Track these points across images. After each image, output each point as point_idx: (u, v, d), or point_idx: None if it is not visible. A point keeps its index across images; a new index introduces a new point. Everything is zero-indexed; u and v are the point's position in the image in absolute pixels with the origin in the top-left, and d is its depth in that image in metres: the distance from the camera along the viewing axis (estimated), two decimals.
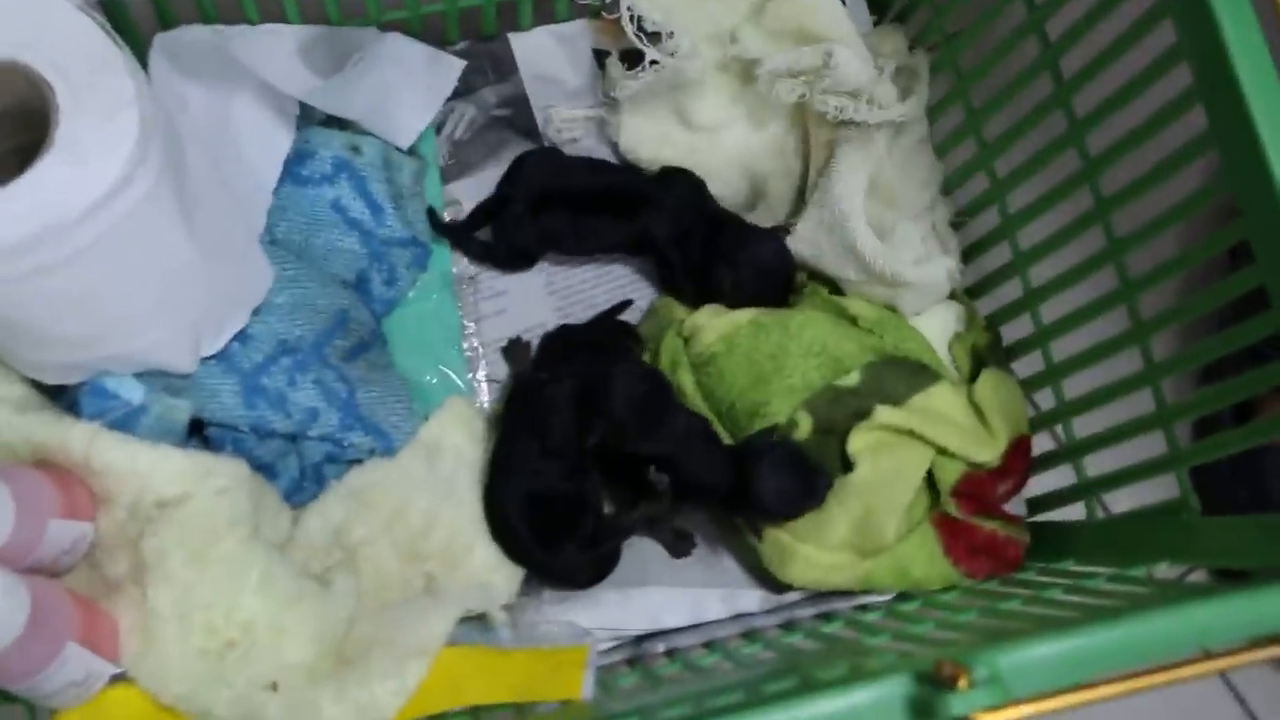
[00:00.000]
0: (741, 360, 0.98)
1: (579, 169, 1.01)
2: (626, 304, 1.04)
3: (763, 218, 1.07)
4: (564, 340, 0.99)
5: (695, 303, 1.00)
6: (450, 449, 0.96)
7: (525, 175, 1.00)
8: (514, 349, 1.02)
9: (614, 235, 1.01)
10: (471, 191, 1.07)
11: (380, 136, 0.99)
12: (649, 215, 0.99)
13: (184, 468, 0.79)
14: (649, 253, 1.02)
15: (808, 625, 0.94)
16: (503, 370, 1.05)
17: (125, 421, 0.80)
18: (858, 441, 0.93)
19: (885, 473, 0.94)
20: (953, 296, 1.07)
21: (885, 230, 1.01)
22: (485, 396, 1.05)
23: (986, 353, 1.04)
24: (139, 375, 0.83)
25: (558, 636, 0.92)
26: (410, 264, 1.03)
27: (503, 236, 1.01)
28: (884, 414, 0.94)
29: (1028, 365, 1.03)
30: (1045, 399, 1.03)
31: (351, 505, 0.92)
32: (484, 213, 1.03)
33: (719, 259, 0.97)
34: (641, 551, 0.96)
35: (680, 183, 1.01)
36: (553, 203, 1.00)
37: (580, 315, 1.06)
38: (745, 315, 0.99)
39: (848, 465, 0.93)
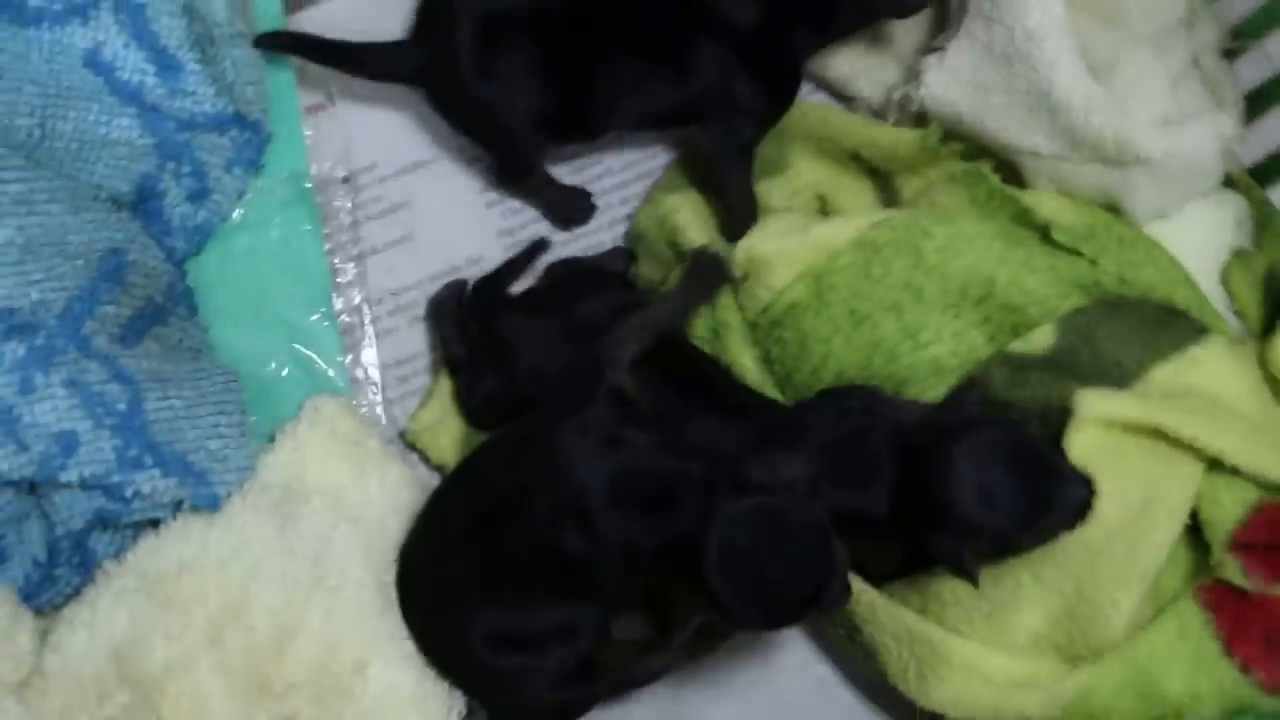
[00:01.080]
0: (840, 316, 0.98)
1: None
2: (541, 248, 1.08)
3: (865, 53, 1.08)
4: (486, 313, 1.02)
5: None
6: (319, 493, 0.97)
7: None
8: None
9: (656, 92, 1.04)
10: (339, 23, 1.08)
11: None
12: (710, 40, 1.01)
13: None
14: (712, 118, 1.05)
15: None
16: (409, 346, 1.08)
17: None
18: (1086, 451, 0.91)
19: (1113, 510, 0.90)
20: (1227, 184, 1.05)
21: (1103, 65, 1.00)
22: (377, 394, 1.05)
23: None
24: None
25: None
26: (233, 161, 1.04)
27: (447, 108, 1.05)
28: (1100, 402, 0.91)
29: None
30: None
31: (144, 606, 0.90)
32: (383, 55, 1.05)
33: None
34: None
35: None
36: (519, 31, 1.01)
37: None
38: (844, 230, 0.99)
39: None
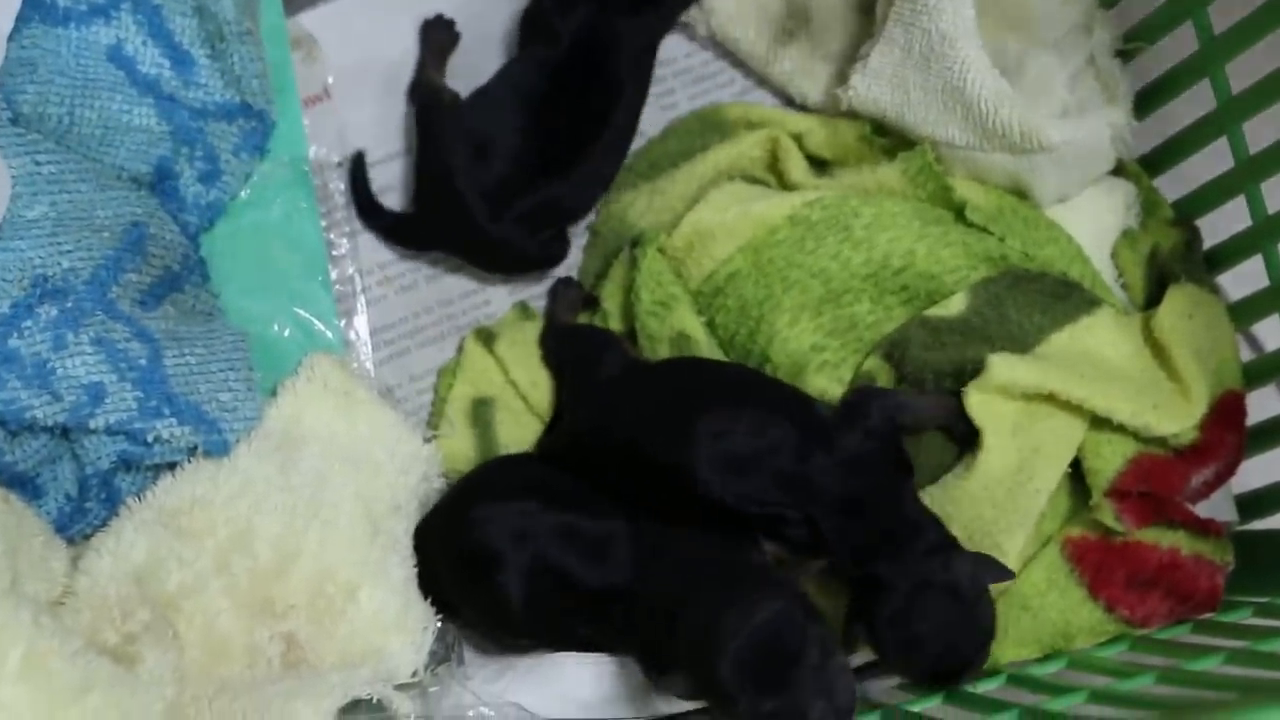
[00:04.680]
0: (775, 283, 1.03)
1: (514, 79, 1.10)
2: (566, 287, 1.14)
3: (805, 53, 1.12)
4: None
5: None
6: (316, 438, 1.01)
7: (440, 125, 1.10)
8: (562, 293, 1.11)
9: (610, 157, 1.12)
10: (334, 26, 1.13)
11: None
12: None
13: None
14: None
15: (886, 705, 0.96)
16: (396, 312, 1.12)
17: None
18: (978, 407, 0.96)
19: (998, 462, 0.96)
20: (1118, 172, 1.09)
21: (1011, 65, 1.03)
22: (367, 353, 1.10)
23: (1174, 260, 1.06)
24: None
25: None
26: (240, 147, 1.06)
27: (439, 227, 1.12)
28: (1003, 368, 0.96)
29: (1243, 279, 1.03)
30: (1271, 332, 1.04)
31: (162, 536, 0.94)
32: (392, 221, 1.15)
33: None
34: None
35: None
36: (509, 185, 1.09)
37: None
38: (780, 208, 1.03)
39: (963, 442, 0.97)
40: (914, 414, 0.98)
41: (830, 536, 0.91)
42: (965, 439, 0.99)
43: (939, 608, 0.88)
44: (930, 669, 0.90)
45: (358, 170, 1.13)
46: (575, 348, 1.07)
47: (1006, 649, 1.00)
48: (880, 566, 0.89)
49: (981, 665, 0.91)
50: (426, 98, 1.13)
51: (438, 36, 1.15)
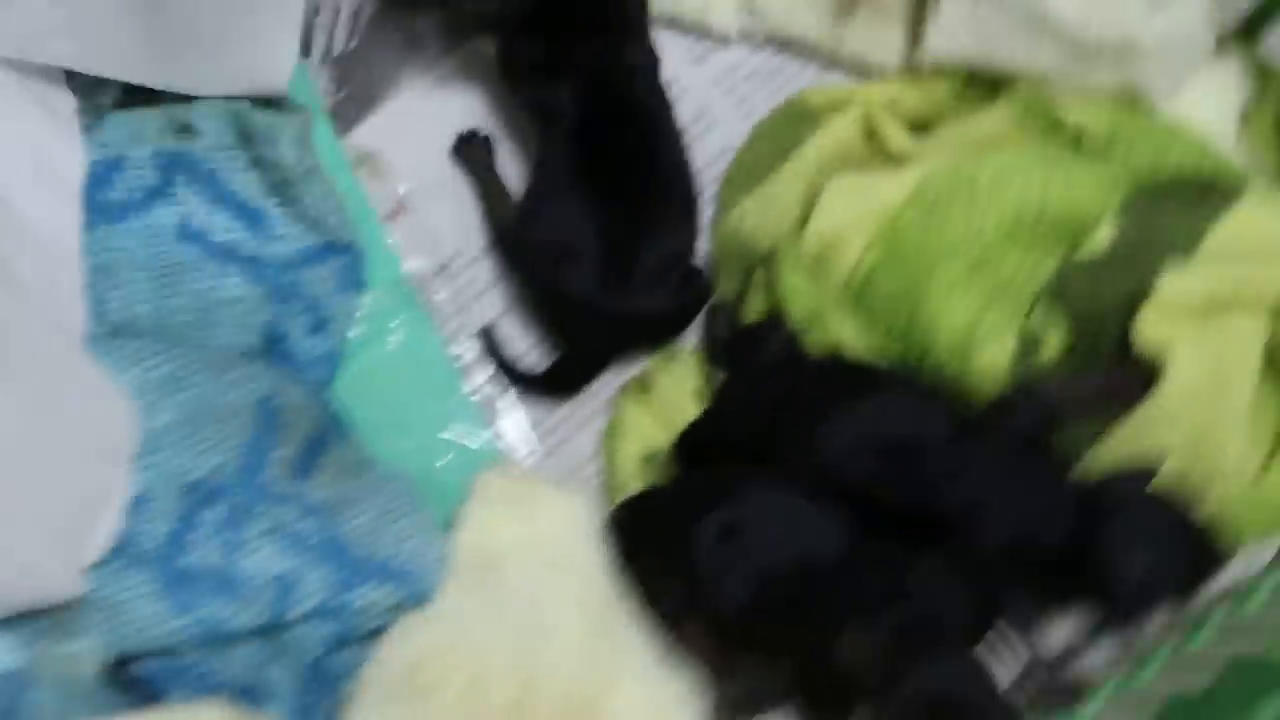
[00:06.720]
0: (914, 269, 1.01)
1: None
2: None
3: (871, 23, 1.11)
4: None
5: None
6: (507, 554, 1.00)
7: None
8: (718, 319, 1.11)
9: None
10: (388, 135, 1.13)
11: (219, 93, 1.01)
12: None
13: None
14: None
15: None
16: (547, 402, 1.12)
17: (7, 709, 0.82)
18: (1155, 330, 0.95)
19: (1207, 369, 0.95)
20: (1221, 51, 1.08)
21: None
22: (529, 450, 1.11)
23: None
24: (3, 625, 0.85)
25: None
26: (339, 287, 1.07)
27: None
28: (1173, 284, 0.95)
29: None
30: None
31: (396, 712, 0.95)
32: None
33: None
34: None
35: None
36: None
37: None
38: (895, 194, 1.02)
39: (1147, 375, 0.96)
40: (1063, 406, 0.98)
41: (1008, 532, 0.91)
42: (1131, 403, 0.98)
43: (1166, 535, 0.90)
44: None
45: (489, 343, 1.12)
46: (740, 343, 1.07)
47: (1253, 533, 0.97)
48: (1095, 521, 0.90)
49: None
50: (499, 229, 1.13)
51: (475, 154, 1.14)
